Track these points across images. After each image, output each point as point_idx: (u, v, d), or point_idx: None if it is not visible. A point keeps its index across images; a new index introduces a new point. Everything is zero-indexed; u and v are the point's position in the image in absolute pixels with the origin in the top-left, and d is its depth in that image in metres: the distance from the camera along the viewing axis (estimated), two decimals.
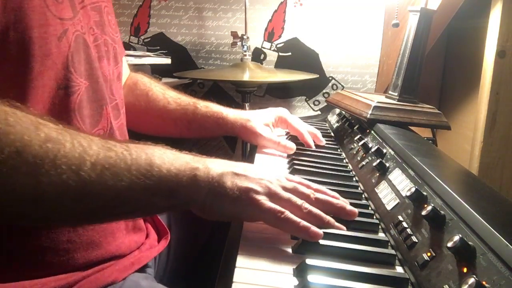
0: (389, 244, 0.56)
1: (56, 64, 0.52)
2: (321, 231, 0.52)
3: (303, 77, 1.51)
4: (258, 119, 0.91)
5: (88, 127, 0.57)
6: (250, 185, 0.53)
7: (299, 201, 0.55)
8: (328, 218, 0.56)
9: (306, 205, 0.55)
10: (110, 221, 0.57)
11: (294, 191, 0.56)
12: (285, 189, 0.56)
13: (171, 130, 0.89)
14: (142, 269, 0.64)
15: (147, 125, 0.90)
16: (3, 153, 0.39)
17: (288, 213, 0.52)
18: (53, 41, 0.51)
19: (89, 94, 0.57)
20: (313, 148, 0.94)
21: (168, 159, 0.49)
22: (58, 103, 0.53)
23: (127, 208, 0.48)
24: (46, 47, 0.50)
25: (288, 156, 0.90)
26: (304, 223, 0.52)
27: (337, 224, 0.56)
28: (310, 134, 0.97)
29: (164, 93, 0.90)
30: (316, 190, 0.59)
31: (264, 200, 0.52)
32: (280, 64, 1.77)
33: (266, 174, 0.56)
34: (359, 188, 0.75)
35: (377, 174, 0.72)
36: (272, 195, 0.54)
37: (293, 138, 0.99)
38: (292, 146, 0.89)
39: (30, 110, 0.44)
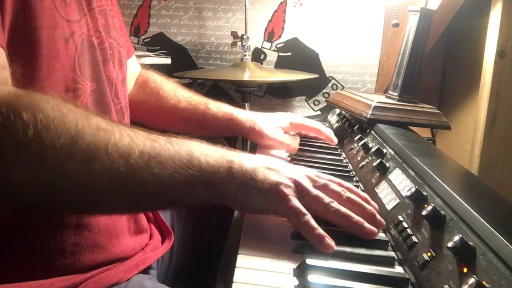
0: (389, 244, 0.56)
1: (64, 66, 0.52)
2: (333, 244, 0.51)
3: (303, 77, 1.51)
4: (268, 122, 0.92)
5: None
6: (281, 179, 0.53)
7: (326, 199, 0.54)
8: (357, 218, 0.54)
9: (334, 204, 0.54)
10: (155, 209, 0.60)
11: (324, 188, 0.56)
12: (315, 186, 0.55)
13: (181, 128, 0.90)
14: (145, 270, 0.64)
15: (157, 122, 0.91)
16: (60, 140, 0.40)
17: (308, 217, 0.51)
18: (61, 43, 0.51)
19: (95, 96, 0.58)
20: (335, 142, 0.97)
21: (206, 151, 0.51)
22: None
23: (171, 196, 0.49)
24: (54, 48, 0.50)
25: (289, 155, 0.90)
26: (319, 231, 0.51)
27: (367, 225, 0.54)
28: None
29: (175, 92, 0.90)
30: (348, 189, 0.58)
31: (292, 196, 0.53)
32: (280, 64, 1.77)
33: (298, 170, 0.57)
34: (359, 188, 0.75)
35: (377, 174, 0.72)
36: (301, 192, 0.54)
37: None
38: (297, 147, 0.91)
39: (77, 102, 0.46)
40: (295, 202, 0.52)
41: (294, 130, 1.00)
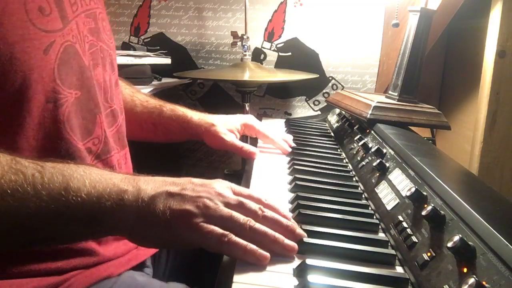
0: (389, 244, 0.56)
1: (43, 78, 0.51)
2: (268, 255, 0.48)
3: (303, 77, 1.51)
4: (223, 124, 0.90)
5: (79, 138, 0.56)
6: (186, 206, 0.47)
7: (241, 219, 0.49)
8: (276, 235, 0.50)
9: (251, 223, 0.49)
10: (30, 247, 0.51)
11: (238, 207, 0.51)
12: (228, 205, 0.50)
13: (138, 133, 0.88)
14: (140, 268, 0.64)
15: None
16: None
17: (231, 236, 0.47)
18: (38, 55, 0.50)
19: (81, 104, 0.57)
20: (289, 151, 0.92)
21: (91, 181, 0.45)
22: (48, 116, 0.52)
23: (40, 234, 0.45)
24: (30, 61, 0.49)
25: (288, 155, 0.90)
26: (251, 246, 0.47)
27: (287, 242, 0.50)
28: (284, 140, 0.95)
29: (133, 96, 0.89)
30: (266, 206, 0.54)
31: (202, 222, 0.47)
32: (280, 64, 1.77)
33: (206, 190, 0.50)
34: (359, 188, 0.75)
35: (377, 174, 0.72)
36: (211, 215, 0.48)
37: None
38: (255, 151, 0.87)
39: None
40: (209, 226, 0.47)
41: (247, 132, 0.97)
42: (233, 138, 0.88)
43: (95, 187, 0.45)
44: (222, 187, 0.52)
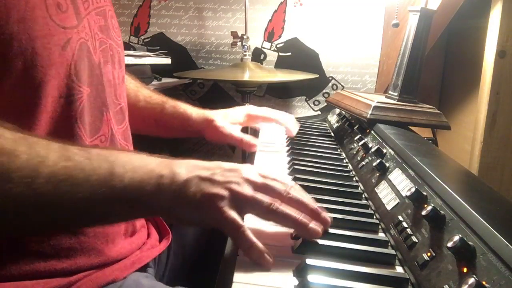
0: (389, 244, 0.56)
1: (59, 74, 0.52)
2: (272, 260, 0.49)
3: (303, 77, 1.51)
4: (222, 118, 0.90)
5: (88, 135, 0.57)
6: (214, 190, 0.50)
7: (265, 201, 0.51)
8: (300, 218, 0.51)
9: (274, 206, 0.51)
10: (82, 228, 0.56)
11: (264, 189, 0.52)
12: (254, 188, 0.52)
13: (140, 127, 0.88)
14: (143, 269, 0.64)
15: None
16: None
17: (244, 229, 0.49)
18: (57, 51, 0.51)
19: (91, 101, 0.58)
20: (294, 134, 0.96)
21: (132, 166, 0.48)
22: (60, 112, 0.53)
23: (90, 217, 0.47)
24: (49, 57, 0.50)
25: (288, 155, 0.90)
26: (257, 245, 0.49)
27: (310, 226, 0.51)
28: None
29: (137, 91, 0.90)
30: (292, 188, 0.55)
31: (226, 207, 0.49)
32: (280, 64, 1.77)
33: (234, 175, 0.52)
34: (359, 188, 0.75)
35: (377, 174, 0.72)
36: (237, 199, 0.50)
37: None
38: (255, 142, 0.89)
39: None
40: (230, 213, 0.49)
41: (251, 122, 0.98)
42: (232, 130, 0.88)
43: (136, 172, 0.47)
44: (249, 171, 0.54)
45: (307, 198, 0.55)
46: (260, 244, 0.49)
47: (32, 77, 0.49)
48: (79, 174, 0.44)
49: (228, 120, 0.91)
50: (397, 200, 0.61)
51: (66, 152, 0.45)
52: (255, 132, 1.00)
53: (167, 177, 0.49)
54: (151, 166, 0.49)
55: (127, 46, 1.85)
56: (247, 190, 0.51)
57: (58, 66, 0.51)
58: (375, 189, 0.69)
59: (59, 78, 0.52)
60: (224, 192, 0.50)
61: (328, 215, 0.54)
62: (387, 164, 0.71)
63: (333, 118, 1.23)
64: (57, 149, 0.45)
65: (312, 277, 0.45)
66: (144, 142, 0.90)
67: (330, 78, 1.75)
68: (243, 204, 0.51)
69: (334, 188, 0.72)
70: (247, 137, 0.89)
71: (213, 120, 0.89)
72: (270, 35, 1.76)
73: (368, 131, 0.90)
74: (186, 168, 0.51)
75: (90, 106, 0.57)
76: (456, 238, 0.42)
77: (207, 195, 0.49)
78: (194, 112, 0.91)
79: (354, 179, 0.80)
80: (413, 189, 0.56)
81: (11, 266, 0.51)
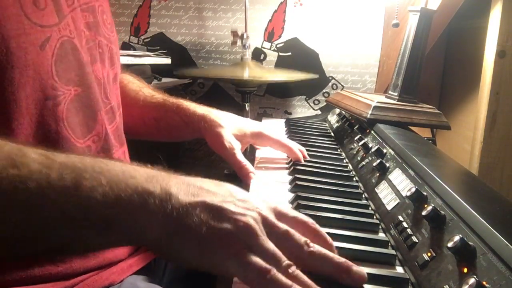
0: (389, 244, 0.56)
1: (40, 74, 0.49)
2: None
3: (303, 77, 1.51)
4: (231, 127, 0.80)
5: (79, 135, 0.55)
6: (226, 225, 0.39)
7: (284, 261, 0.40)
8: (342, 259, 0.43)
9: (292, 269, 0.40)
10: (40, 255, 0.47)
11: (283, 238, 0.43)
12: (272, 234, 0.42)
13: (140, 129, 0.83)
14: (140, 272, 0.63)
15: None
16: None
17: (274, 271, 0.38)
18: (34, 51, 0.48)
19: (81, 100, 0.55)
20: (302, 162, 0.83)
21: (110, 179, 0.38)
22: (43, 114, 0.50)
23: (52, 240, 0.38)
24: (26, 57, 0.47)
25: (288, 155, 0.90)
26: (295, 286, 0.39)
27: (355, 268, 0.43)
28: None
29: (139, 91, 0.85)
30: (315, 233, 0.46)
31: (243, 248, 0.39)
32: (280, 64, 1.77)
33: (249, 208, 0.42)
34: (359, 188, 0.75)
35: (377, 174, 0.72)
36: (253, 244, 0.40)
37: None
38: (253, 175, 0.75)
39: None
40: (252, 257, 0.38)
41: (260, 142, 0.87)
42: (235, 150, 0.77)
43: (113, 187, 0.38)
44: (266, 208, 0.44)
45: (331, 248, 0.45)
46: (295, 286, 0.38)
47: (8, 79, 0.46)
48: (29, 186, 0.35)
49: (235, 130, 0.81)
50: (397, 200, 0.61)
51: (20, 158, 0.36)
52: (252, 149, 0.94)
53: (158, 196, 0.39)
54: (138, 179, 0.39)
55: (127, 46, 1.85)
56: (264, 237, 0.41)
57: (37, 66, 0.48)
58: (375, 189, 0.69)
59: (40, 79, 0.49)
60: (237, 230, 0.40)
61: (361, 269, 0.43)
62: (387, 164, 0.71)
63: (333, 118, 1.23)
64: (10, 152, 0.37)
65: None
66: (144, 143, 0.88)
67: (330, 78, 1.75)
68: (257, 252, 0.40)
69: (334, 188, 0.72)
70: (248, 165, 0.76)
71: (220, 126, 0.78)
72: (270, 35, 1.76)
73: (368, 131, 0.90)
74: (188, 188, 0.41)
75: (79, 106, 0.55)
76: (457, 238, 0.42)
77: (216, 230, 0.39)
78: (198, 108, 0.83)
79: (354, 179, 0.80)
80: (413, 189, 0.56)
81: (6, 272, 0.50)
